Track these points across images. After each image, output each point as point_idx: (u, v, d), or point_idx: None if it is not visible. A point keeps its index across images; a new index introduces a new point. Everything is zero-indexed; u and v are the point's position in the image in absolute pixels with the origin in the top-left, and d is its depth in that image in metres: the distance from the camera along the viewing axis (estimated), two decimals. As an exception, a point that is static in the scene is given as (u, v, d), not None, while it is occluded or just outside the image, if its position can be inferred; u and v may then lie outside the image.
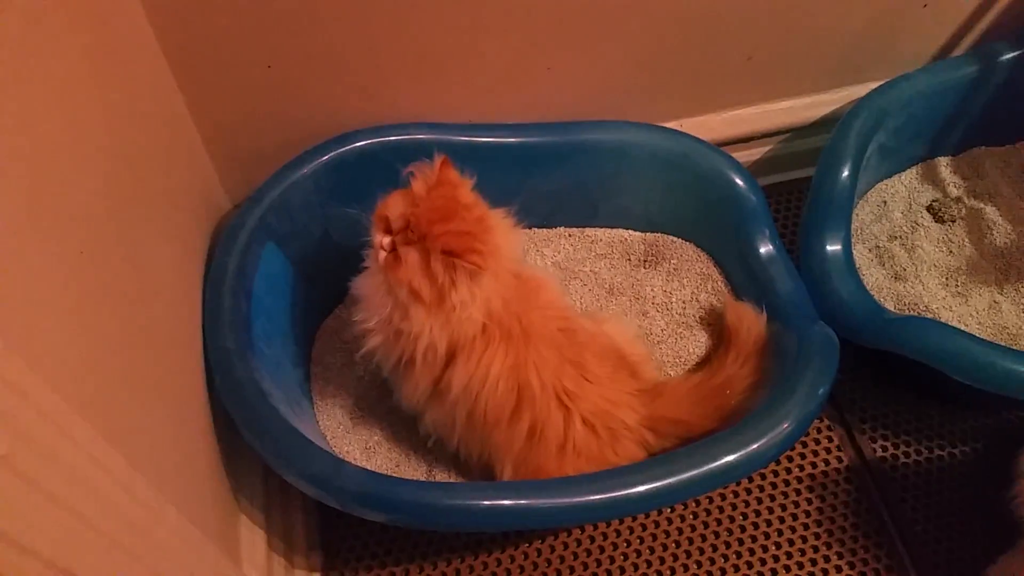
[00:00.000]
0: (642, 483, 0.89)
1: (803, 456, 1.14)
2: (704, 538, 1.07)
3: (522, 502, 0.87)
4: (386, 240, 0.88)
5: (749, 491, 1.11)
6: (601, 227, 1.31)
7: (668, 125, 1.26)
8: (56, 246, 0.60)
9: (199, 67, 0.99)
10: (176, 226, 0.95)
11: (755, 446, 0.92)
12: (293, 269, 1.09)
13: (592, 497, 0.88)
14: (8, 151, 0.55)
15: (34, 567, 0.45)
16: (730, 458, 0.91)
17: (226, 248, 1.00)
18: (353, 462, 0.94)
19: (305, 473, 0.87)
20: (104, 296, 0.67)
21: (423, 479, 1.06)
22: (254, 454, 1.00)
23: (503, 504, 0.86)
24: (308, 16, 0.97)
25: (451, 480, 1.07)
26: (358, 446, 1.08)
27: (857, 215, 1.31)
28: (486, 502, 0.86)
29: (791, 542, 1.07)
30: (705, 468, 0.90)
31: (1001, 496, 0.99)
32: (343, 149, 1.09)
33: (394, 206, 0.88)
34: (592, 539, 1.07)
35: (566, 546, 1.07)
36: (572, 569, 1.05)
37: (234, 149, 1.10)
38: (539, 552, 1.07)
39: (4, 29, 0.59)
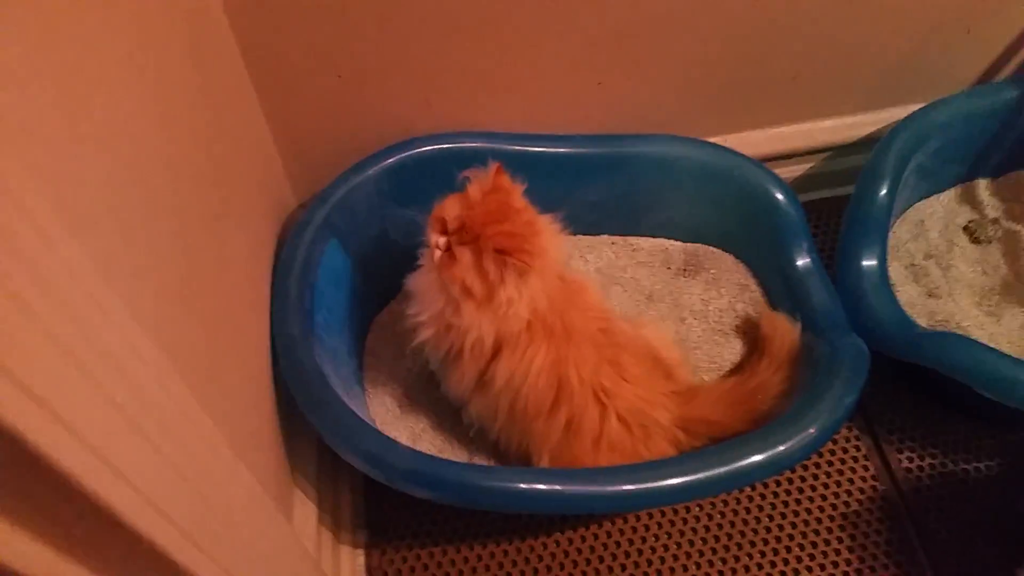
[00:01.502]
0: (672, 476, 0.94)
1: (830, 464, 1.18)
2: (730, 536, 1.12)
3: (557, 487, 0.92)
4: (442, 240, 0.95)
5: (776, 494, 1.15)
6: (644, 236, 1.37)
7: (713, 140, 1.30)
8: (155, 226, 0.68)
9: (275, 76, 1.07)
10: (250, 221, 1.03)
11: (781, 448, 0.96)
12: (352, 265, 1.17)
13: (623, 487, 0.93)
14: (130, 149, 0.64)
15: (134, 502, 0.52)
16: (757, 458, 0.96)
17: (293, 243, 1.08)
18: (401, 446, 1.01)
19: (359, 450, 0.94)
20: (191, 274, 0.75)
21: (465, 465, 1.13)
22: (310, 436, 1.08)
23: (538, 488, 0.92)
24: (377, 31, 1.04)
25: (491, 467, 1.13)
26: (405, 432, 1.15)
27: (894, 233, 1.35)
28: (523, 485, 0.92)
29: (814, 544, 1.11)
30: (732, 466, 0.95)
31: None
32: (404, 155, 1.17)
33: (450, 208, 0.95)
34: (622, 531, 1.13)
35: (596, 536, 1.13)
36: (602, 559, 1.11)
37: (303, 152, 1.18)
38: (570, 541, 1.12)
39: (119, 42, 0.67)
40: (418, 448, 1.13)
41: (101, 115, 0.61)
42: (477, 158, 1.00)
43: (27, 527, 0.46)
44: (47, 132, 0.52)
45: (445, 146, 1.18)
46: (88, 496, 0.46)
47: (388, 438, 0.96)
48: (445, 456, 1.13)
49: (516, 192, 0.97)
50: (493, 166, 0.97)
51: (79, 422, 0.44)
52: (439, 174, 1.03)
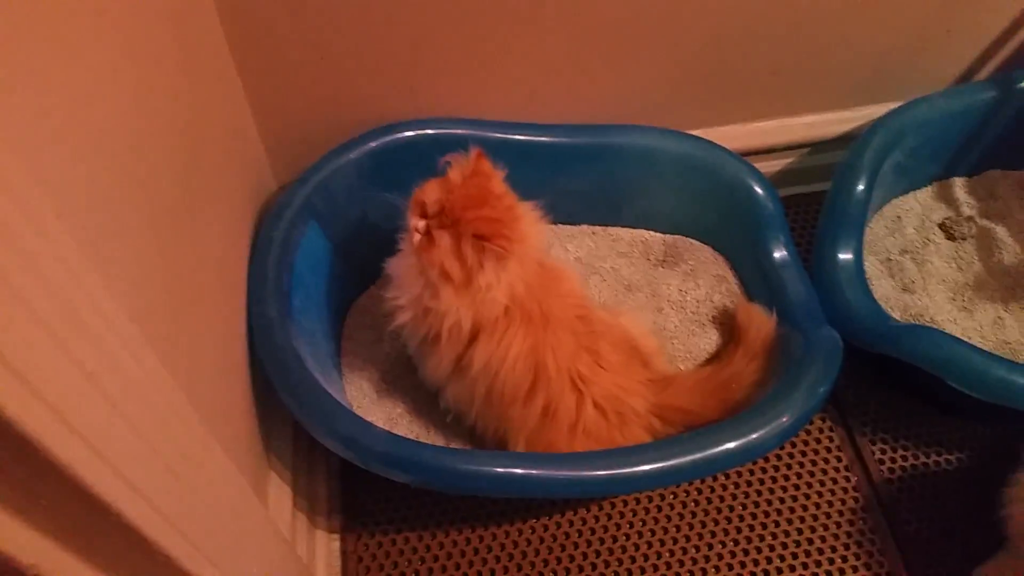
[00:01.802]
0: (646, 462, 0.95)
1: (804, 454, 1.20)
2: (704, 524, 1.13)
3: (533, 472, 0.93)
4: (421, 223, 0.95)
5: (750, 483, 1.17)
6: (624, 227, 1.38)
7: (694, 133, 1.31)
8: (131, 202, 0.67)
9: (258, 56, 1.06)
10: (228, 201, 1.02)
11: (754, 436, 0.97)
12: (332, 248, 1.17)
13: (598, 472, 0.94)
14: (105, 125, 0.63)
15: (102, 471, 0.52)
16: (729, 445, 0.96)
17: (272, 224, 1.07)
18: (378, 430, 1.01)
19: (336, 432, 0.94)
20: (166, 251, 0.74)
21: (442, 451, 1.13)
22: (285, 419, 1.08)
23: (515, 472, 0.92)
24: (362, 13, 1.04)
25: (468, 453, 1.13)
26: (382, 417, 1.15)
27: (871, 228, 1.37)
28: (500, 469, 0.92)
29: (787, 533, 1.12)
30: (706, 452, 0.96)
31: (993, 503, 1.04)
32: (386, 139, 1.17)
33: (430, 192, 0.95)
34: (597, 518, 1.14)
35: (572, 523, 1.13)
36: (576, 545, 1.11)
37: (284, 134, 1.17)
38: (546, 527, 1.13)
39: (115, 16, 0.67)
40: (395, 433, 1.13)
41: (71, 88, 0.61)
42: (460, 144, 1.00)
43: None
44: (14, 108, 0.52)
45: (428, 132, 1.18)
46: (52, 463, 0.46)
47: (364, 420, 0.96)
48: (422, 441, 1.13)
49: (497, 178, 0.97)
50: (474, 151, 0.97)
51: (49, 391, 0.44)
52: (421, 159, 1.03)
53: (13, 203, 0.41)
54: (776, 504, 1.15)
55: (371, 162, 1.16)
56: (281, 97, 1.12)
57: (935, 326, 1.23)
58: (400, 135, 1.17)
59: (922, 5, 1.24)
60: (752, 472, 1.18)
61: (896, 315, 1.26)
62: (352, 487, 1.16)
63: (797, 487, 1.16)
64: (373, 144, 1.16)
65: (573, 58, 1.19)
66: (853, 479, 1.17)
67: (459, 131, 1.19)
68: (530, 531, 1.13)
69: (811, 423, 1.21)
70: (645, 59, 1.22)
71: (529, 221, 0.98)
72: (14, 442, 0.43)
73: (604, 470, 0.94)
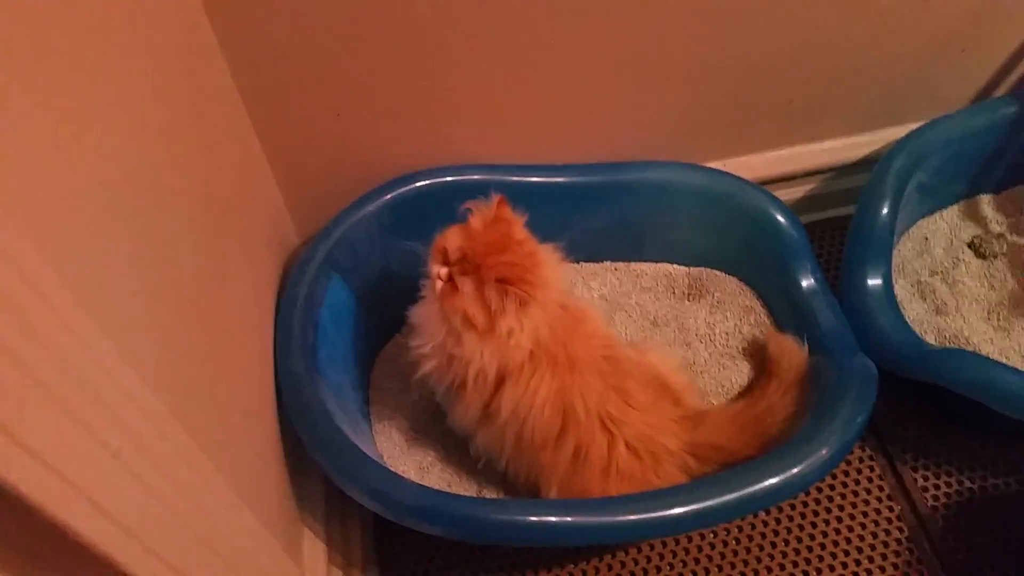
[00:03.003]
0: (684, 504, 0.93)
1: (845, 485, 1.17)
2: (746, 562, 1.10)
3: (568, 519, 0.91)
4: (443, 270, 0.95)
5: (791, 518, 1.14)
6: (647, 261, 1.37)
7: (712, 165, 1.31)
8: (154, 270, 0.68)
9: (275, 116, 1.08)
10: (252, 260, 1.03)
11: (794, 471, 0.95)
12: (355, 299, 1.17)
13: (635, 516, 0.92)
14: (119, 190, 0.64)
15: (134, 550, 0.52)
16: (770, 482, 0.94)
17: (296, 280, 1.08)
18: (409, 480, 1.01)
19: (366, 487, 0.93)
20: (192, 317, 0.75)
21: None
22: (317, 472, 1.07)
23: (549, 520, 0.91)
24: (374, 70, 1.05)
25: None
26: (413, 466, 1.14)
27: (899, 251, 1.34)
28: (533, 518, 0.91)
29: (831, 568, 1.09)
30: (745, 491, 0.94)
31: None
32: (404, 189, 1.17)
33: (452, 239, 0.95)
34: (636, 561, 1.11)
35: (610, 567, 1.11)
36: (616, 590, 1.09)
37: (304, 190, 1.19)
38: (584, 573, 1.11)
39: (127, 81, 0.68)
40: (427, 481, 1.12)
41: (86, 161, 0.61)
42: (476, 190, 1.01)
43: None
44: (37, 177, 0.52)
45: (445, 179, 1.19)
46: (86, 546, 0.46)
47: (394, 474, 0.95)
48: (454, 489, 1.12)
49: (518, 223, 0.97)
50: (496, 198, 0.97)
51: (73, 472, 0.44)
52: (439, 208, 1.03)
53: (23, 281, 0.41)
54: (819, 539, 1.12)
55: (390, 213, 1.17)
56: (299, 153, 1.14)
57: (971, 348, 1.20)
58: (417, 184, 1.18)
59: (934, 26, 1.23)
60: (793, 507, 1.15)
61: (930, 338, 1.23)
62: (387, 538, 1.15)
63: (840, 519, 1.13)
64: (390, 195, 1.17)
65: (587, 97, 1.20)
66: (897, 508, 1.14)
67: (475, 176, 1.20)
68: (568, 577, 1.11)
69: (850, 453, 1.18)
70: (659, 94, 1.22)
71: (551, 265, 0.98)
72: (40, 524, 0.43)
73: (640, 514, 0.92)
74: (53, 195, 0.54)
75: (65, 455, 0.43)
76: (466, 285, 0.93)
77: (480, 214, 0.98)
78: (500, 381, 0.97)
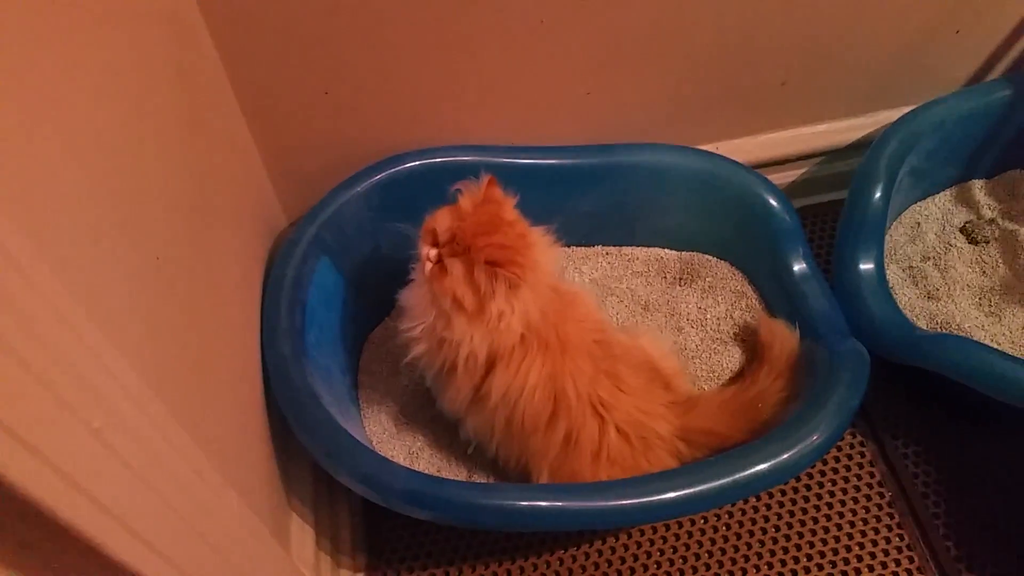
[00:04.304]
0: (674, 489, 0.92)
1: (836, 471, 1.16)
2: (737, 548, 1.10)
3: (558, 503, 0.91)
4: (432, 252, 0.94)
5: (782, 503, 1.14)
6: (638, 246, 1.36)
7: (704, 148, 1.30)
8: (137, 252, 0.66)
9: (262, 95, 1.06)
10: (238, 241, 1.01)
11: (785, 456, 0.95)
12: (344, 282, 1.16)
13: (625, 501, 0.91)
14: (105, 169, 0.62)
15: (118, 534, 0.50)
16: (761, 467, 0.94)
17: (283, 261, 1.07)
18: (398, 465, 0.99)
19: (355, 472, 0.92)
20: (176, 298, 0.73)
21: (464, 483, 1.11)
22: (305, 457, 1.06)
23: (539, 505, 0.90)
24: (363, 47, 1.04)
25: (490, 485, 1.11)
26: (402, 451, 1.13)
27: (891, 236, 1.34)
28: (524, 502, 0.90)
29: (822, 554, 1.09)
30: (736, 476, 0.93)
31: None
32: (393, 170, 1.16)
33: (441, 220, 0.94)
34: (626, 547, 1.11)
35: (600, 553, 1.10)
36: (607, 575, 1.09)
37: (292, 170, 1.17)
38: (574, 558, 1.10)
39: (110, 57, 0.66)
40: (416, 466, 1.12)
41: (81, 140, 0.60)
42: (467, 172, 0.99)
43: (6, 565, 0.44)
44: (24, 161, 0.51)
45: (434, 160, 1.17)
46: (66, 528, 0.45)
47: (384, 458, 0.94)
48: (444, 474, 1.11)
49: (508, 204, 0.96)
50: (485, 178, 0.96)
51: (55, 453, 0.43)
52: (429, 189, 1.01)
53: (4, 260, 0.40)
54: (810, 524, 1.12)
55: (379, 194, 1.15)
56: (287, 133, 1.12)
57: (962, 333, 1.20)
58: (406, 165, 1.16)
59: (929, 6, 1.22)
60: (784, 493, 1.15)
61: (922, 324, 1.23)
62: (375, 524, 1.14)
63: (831, 506, 1.13)
64: (380, 176, 1.15)
65: (578, 78, 1.18)
66: (887, 494, 1.14)
67: (465, 158, 1.18)
68: (558, 563, 1.10)
69: (841, 439, 1.18)
70: (652, 76, 1.21)
71: (542, 247, 0.97)
72: (19, 506, 0.42)
73: (631, 499, 0.91)
74: (33, 173, 0.52)
75: (45, 434, 0.42)
76: (455, 267, 0.92)
77: (469, 195, 0.96)
78: (491, 364, 0.96)
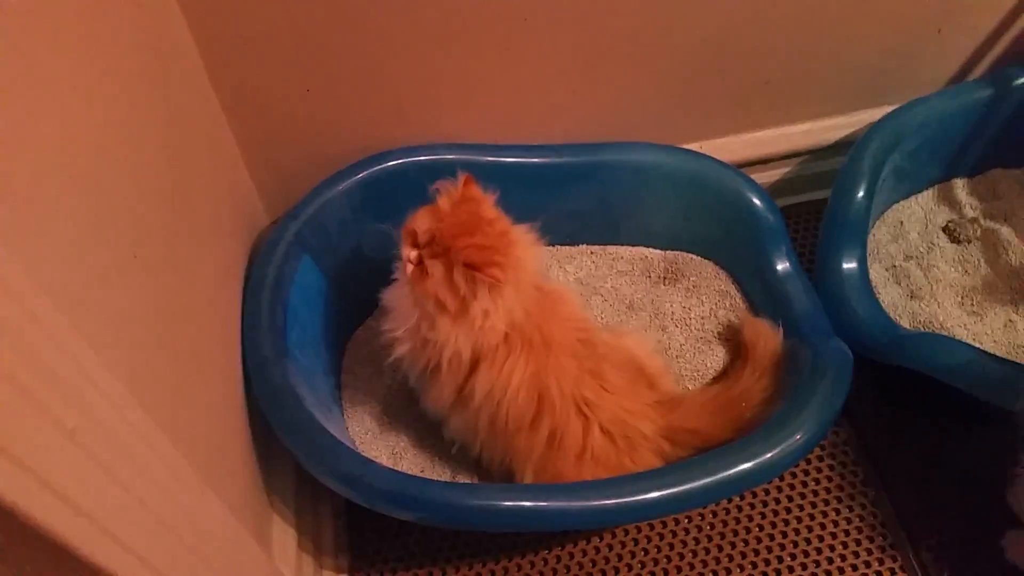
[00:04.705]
0: (658, 488, 0.92)
1: (819, 470, 1.16)
2: (721, 547, 1.10)
3: (542, 504, 0.90)
4: (413, 254, 0.93)
5: (766, 503, 1.14)
6: (623, 245, 1.35)
7: (688, 146, 1.29)
8: (113, 250, 0.65)
9: (242, 93, 1.05)
10: (218, 239, 1.00)
11: (768, 455, 0.95)
12: (326, 282, 1.15)
13: (610, 501, 0.91)
14: (80, 165, 0.61)
15: (91, 535, 0.49)
16: (744, 466, 0.94)
17: (264, 260, 1.05)
18: (381, 466, 0.99)
19: (336, 472, 0.91)
20: (153, 296, 0.72)
21: (447, 484, 1.10)
22: (286, 458, 1.05)
23: (524, 505, 0.90)
24: (345, 43, 1.03)
25: (474, 485, 1.10)
26: (385, 452, 1.12)
27: (874, 235, 1.34)
28: (508, 503, 0.90)
29: (806, 553, 1.09)
30: (720, 475, 0.93)
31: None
32: (375, 168, 1.15)
33: (421, 221, 0.93)
34: (611, 547, 1.10)
35: (584, 553, 1.10)
36: (591, 575, 1.08)
37: (273, 168, 1.16)
38: (558, 558, 1.10)
39: (88, 52, 0.65)
40: (400, 467, 1.11)
41: (57, 136, 0.59)
42: (451, 170, 0.99)
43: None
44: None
45: (417, 158, 1.16)
46: (39, 530, 0.44)
47: (366, 459, 0.93)
48: (427, 474, 1.11)
49: (487, 202, 0.95)
50: (462, 176, 0.95)
51: (26, 453, 0.42)
52: (413, 187, 1.01)
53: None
54: (793, 523, 1.12)
55: (361, 192, 1.14)
56: (267, 130, 1.11)
57: (945, 332, 1.20)
58: (389, 163, 1.15)
59: (911, 5, 1.23)
60: (767, 492, 1.15)
61: (904, 323, 1.23)
62: (358, 525, 1.13)
63: (814, 504, 1.13)
64: (363, 174, 1.14)
65: (563, 76, 1.18)
66: (871, 493, 1.14)
67: (450, 156, 1.17)
68: (542, 563, 1.09)
69: (825, 438, 1.18)
70: (636, 74, 1.21)
71: (524, 245, 0.96)
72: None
73: (615, 499, 0.91)
74: (11, 167, 0.51)
75: (16, 434, 0.41)
76: (436, 268, 0.91)
77: (447, 194, 0.95)
78: (474, 364, 0.96)
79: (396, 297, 1.00)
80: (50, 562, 0.47)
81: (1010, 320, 1.23)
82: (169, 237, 0.80)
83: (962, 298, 1.26)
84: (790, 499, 1.14)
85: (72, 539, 0.46)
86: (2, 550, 0.45)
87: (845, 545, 1.10)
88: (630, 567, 1.09)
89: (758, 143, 1.36)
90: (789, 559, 1.09)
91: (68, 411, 0.46)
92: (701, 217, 1.28)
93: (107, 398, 0.51)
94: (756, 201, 1.21)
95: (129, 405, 0.54)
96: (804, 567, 1.08)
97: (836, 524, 1.11)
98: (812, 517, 1.12)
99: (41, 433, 0.44)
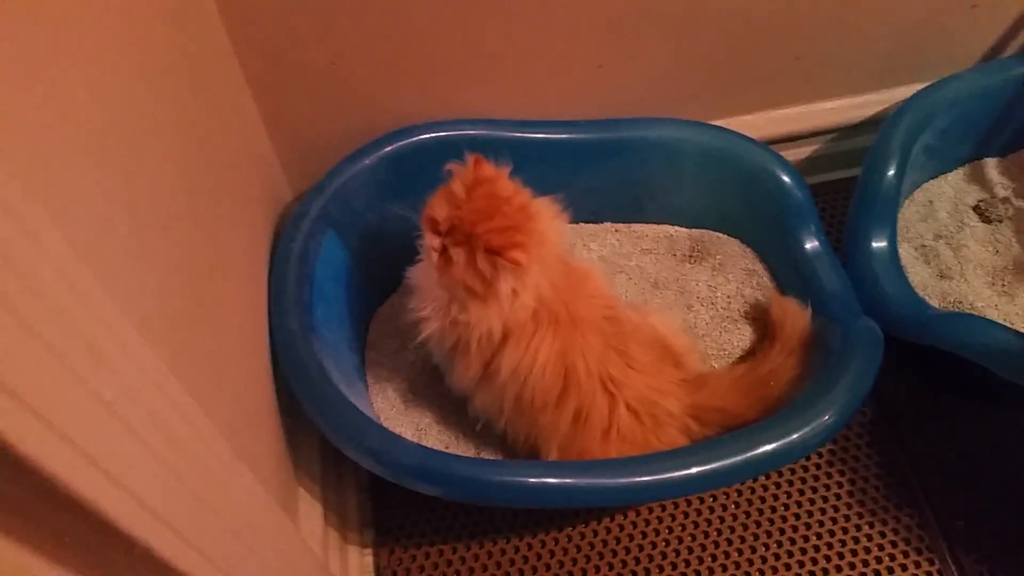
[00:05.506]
0: (685, 467, 0.91)
1: (846, 450, 1.16)
2: (746, 526, 1.10)
3: (567, 480, 0.90)
4: (436, 241, 0.92)
5: (792, 482, 1.13)
6: (648, 223, 1.34)
7: (716, 123, 1.28)
8: (144, 226, 0.65)
9: (267, 66, 1.04)
10: (244, 215, 1.00)
11: (795, 436, 0.94)
12: (351, 257, 1.14)
13: (635, 479, 0.91)
14: (109, 141, 0.61)
15: (128, 506, 0.49)
16: (771, 446, 0.93)
17: (290, 235, 1.05)
18: (406, 441, 0.99)
19: (363, 446, 0.91)
20: (184, 272, 0.72)
21: (472, 460, 1.10)
22: (312, 433, 1.05)
23: (549, 482, 0.89)
24: (369, 17, 1.02)
25: (498, 462, 1.10)
26: (410, 428, 1.12)
27: (903, 214, 1.32)
28: (533, 479, 0.89)
29: (832, 533, 1.09)
30: (746, 455, 0.92)
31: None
32: (400, 143, 1.14)
33: (439, 208, 0.91)
34: (635, 524, 1.10)
35: (609, 530, 1.10)
36: (615, 553, 1.08)
37: (298, 143, 1.15)
38: (582, 535, 1.10)
39: (107, 37, 0.64)
40: (424, 443, 1.11)
41: (87, 111, 0.59)
42: (476, 146, 0.97)
43: (17, 537, 0.44)
44: (32, 129, 0.50)
45: (443, 134, 1.15)
46: (78, 501, 0.44)
47: (393, 433, 0.93)
48: (452, 450, 1.11)
49: (502, 178, 0.93)
50: (471, 158, 0.93)
51: (67, 424, 0.42)
52: (437, 162, 0.99)
53: (20, 230, 0.38)
54: (819, 503, 1.11)
55: (387, 168, 1.13)
56: (292, 105, 1.10)
57: (975, 312, 1.19)
58: (415, 139, 1.14)
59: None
60: (793, 471, 1.14)
61: (934, 303, 1.22)
62: (383, 500, 1.13)
63: (840, 485, 1.13)
64: (387, 149, 1.13)
65: (589, 50, 1.16)
66: (898, 474, 1.13)
67: (474, 131, 1.16)
68: (566, 539, 1.10)
69: (852, 418, 1.17)
70: (664, 48, 1.19)
71: (546, 218, 0.94)
72: (30, 477, 0.41)
73: (640, 476, 0.91)
74: (47, 144, 0.51)
75: (57, 405, 0.41)
76: (460, 256, 0.90)
77: (460, 178, 0.93)
78: (503, 341, 0.95)
79: (422, 276, 0.99)
80: (86, 530, 0.47)
81: (1042, 301, 1.21)
82: (197, 212, 0.80)
83: (992, 278, 1.24)
84: (816, 479, 1.13)
85: (110, 509, 0.47)
86: (40, 518, 0.45)
87: (871, 525, 1.09)
88: (654, 544, 1.09)
89: (787, 120, 1.34)
90: (815, 538, 1.08)
91: (106, 383, 0.46)
92: (728, 195, 1.27)
93: (144, 371, 0.51)
94: (785, 178, 1.20)
95: (166, 378, 0.54)
96: (830, 546, 1.07)
97: (863, 504, 1.11)
98: (838, 497, 1.12)
99: (80, 404, 0.44)
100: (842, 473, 1.14)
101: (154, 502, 0.51)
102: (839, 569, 1.06)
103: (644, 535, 1.10)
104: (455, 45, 1.09)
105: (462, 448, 1.11)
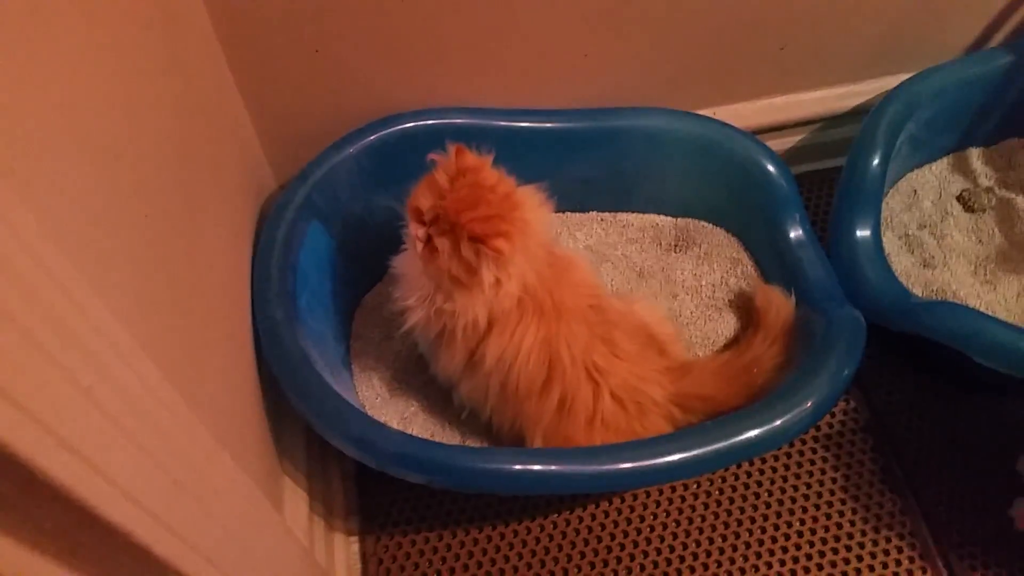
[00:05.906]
0: (668, 453, 0.92)
1: (829, 437, 1.17)
2: (730, 512, 1.10)
3: (552, 467, 0.90)
4: (421, 231, 0.92)
5: (775, 469, 1.14)
6: (633, 212, 1.34)
7: (702, 112, 1.28)
8: (124, 210, 0.65)
9: (250, 52, 1.03)
10: (227, 202, 1.00)
11: (778, 422, 0.95)
12: (336, 246, 1.14)
13: (620, 465, 0.91)
14: (88, 125, 0.61)
15: (108, 494, 0.49)
16: (754, 433, 0.94)
17: (274, 224, 1.05)
18: (391, 430, 0.99)
19: (347, 435, 0.91)
20: (165, 258, 0.72)
21: (457, 449, 1.10)
22: (297, 422, 1.05)
23: (533, 468, 0.90)
24: (355, 4, 1.01)
25: (484, 450, 1.11)
26: (395, 416, 1.12)
27: (888, 204, 1.33)
28: (518, 466, 0.90)
29: (815, 519, 1.09)
30: (730, 441, 0.93)
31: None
32: (385, 132, 1.14)
33: (423, 198, 0.91)
34: (619, 511, 1.11)
35: (594, 517, 1.11)
36: (599, 539, 1.09)
37: (282, 131, 1.15)
38: (567, 522, 1.10)
39: (86, 17, 0.64)
40: (409, 431, 1.11)
41: (63, 95, 0.58)
42: (461, 134, 0.97)
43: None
44: (9, 117, 0.49)
45: (428, 122, 1.15)
46: (58, 488, 0.44)
47: (377, 421, 0.93)
48: (437, 439, 1.11)
49: (484, 167, 0.93)
50: (452, 148, 0.93)
51: (42, 410, 0.41)
52: (422, 151, 0.99)
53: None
54: (803, 490, 1.12)
55: (371, 156, 1.13)
56: (275, 92, 1.09)
57: (958, 301, 1.19)
58: (399, 127, 1.14)
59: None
60: (776, 458, 1.15)
61: (917, 291, 1.22)
62: (368, 488, 1.14)
63: (823, 471, 1.13)
64: (373, 137, 1.13)
65: (575, 39, 1.16)
66: (881, 461, 1.14)
67: (459, 120, 1.16)
68: (551, 526, 1.10)
69: (835, 405, 1.18)
70: (650, 37, 1.19)
71: (530, 206, 0.94)
72: (7, 466, 0.41)
73: (624, 463, 0.91)
74: (24, 132, 0.50)
75: (32, 391, 0.41)
76: (444, 245, 0.90)
77: (443, 168, 0.93)
78: (488, 328, 0.95)
79: (407, 265, 1.00)
80: (65, 517, 0.47)
81: None
82: (178, 201, 0.79)
83: (975, 267, 1.25)
84: (799, 465, 1.14)
85: (89, 497, 0.46)
86: (14, 503, 0.45)
87: (854, 511, 1.10)
88: (639, 531, 1.09)
89: (772, 109, 1.35)
90: (798, 524, 1.09)
91: (84, 369, 0.46)
92: (713, 184, 1.27)
93: (122, 357, 0.51)
94: (770, 168, 1.20)
95: (144, 364, 0.54)
96: (813, 532, 1.08)
97: (845, 490, 1.12)
98: (821, 483, 1.12)
99: (58, 390, 0.44)
100: (825, 460, 1.14)
101: (133, 489, 0.51)
102: (822, 555, 1.07)
103: (629, 521, 1.10)
104: (441, 33, 1.09)
105: (447, 436, 1.12)
